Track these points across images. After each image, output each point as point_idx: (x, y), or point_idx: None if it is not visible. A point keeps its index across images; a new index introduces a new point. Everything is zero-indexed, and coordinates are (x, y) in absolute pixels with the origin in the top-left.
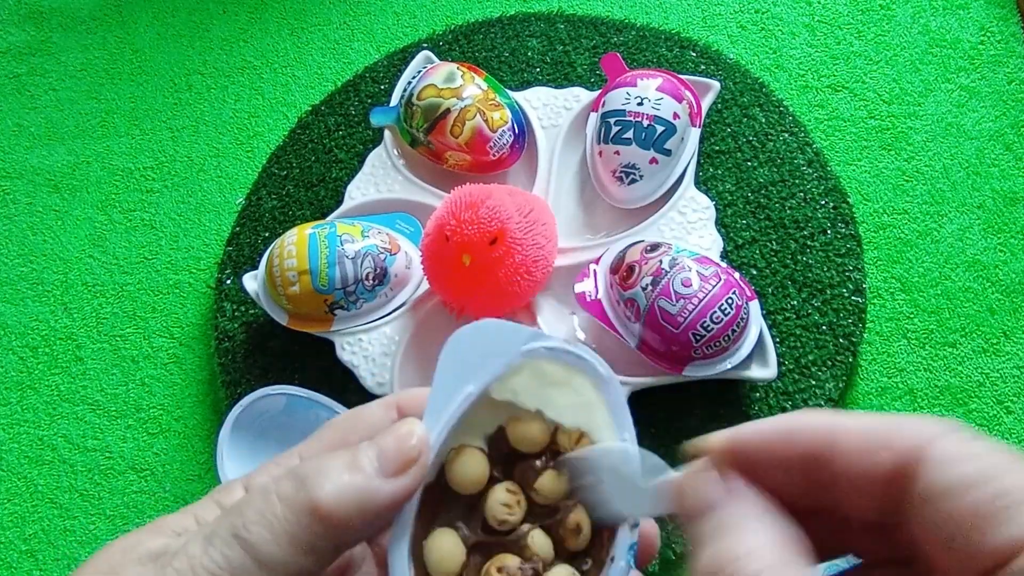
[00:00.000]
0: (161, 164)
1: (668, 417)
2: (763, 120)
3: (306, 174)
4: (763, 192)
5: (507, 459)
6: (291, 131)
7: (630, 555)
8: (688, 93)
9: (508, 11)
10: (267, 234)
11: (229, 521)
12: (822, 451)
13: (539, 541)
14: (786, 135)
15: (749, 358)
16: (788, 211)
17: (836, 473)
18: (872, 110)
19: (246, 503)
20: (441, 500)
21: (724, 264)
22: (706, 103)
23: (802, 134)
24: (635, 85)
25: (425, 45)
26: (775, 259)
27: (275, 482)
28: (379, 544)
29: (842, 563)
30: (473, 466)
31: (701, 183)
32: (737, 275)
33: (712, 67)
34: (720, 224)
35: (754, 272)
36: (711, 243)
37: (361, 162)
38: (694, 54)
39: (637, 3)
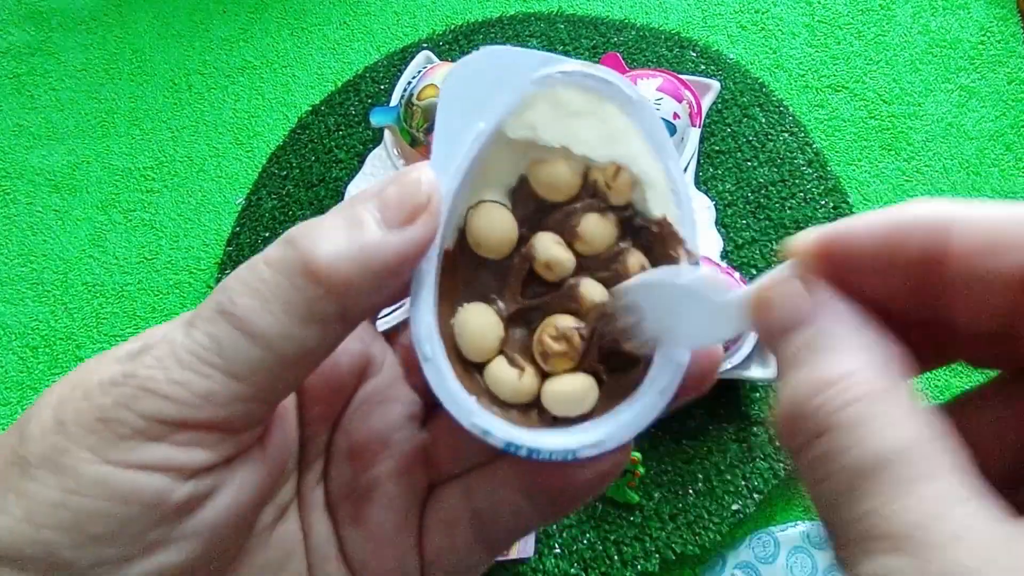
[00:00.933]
0: (161, 164)
1: (667, 418)
2: (763, 120)
3: (306, 174)
4: (763, 192)
5: (536, 215)
6: (291, 131)
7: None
8: (688, 93)
9: (508, 11)
10: (267, 234)
11: (212, 299)
12: (933, 252)
13: (592, 290)
14: (786, 135)
15: (749, 358)
16: (788, 211)
17: (950, 278)
18: (872, 110)
19: (230, 277)
20: (464, 272)
21: (724, 264)
22: (706, 103)
23: (802, 134)
24: (635, 85)
25: (425, 45)
26: (775, 259)
27: (262, 252)
28: (401, 343)
29: None
30: (497, 220)
31: (701, 183)
32: (737, 275)
33: (712, 67)
34: (720, 224)
35: (754, 272)
36: (711, 243)
37: (361, 162)
38: (694, 54)
39: (637, 3)
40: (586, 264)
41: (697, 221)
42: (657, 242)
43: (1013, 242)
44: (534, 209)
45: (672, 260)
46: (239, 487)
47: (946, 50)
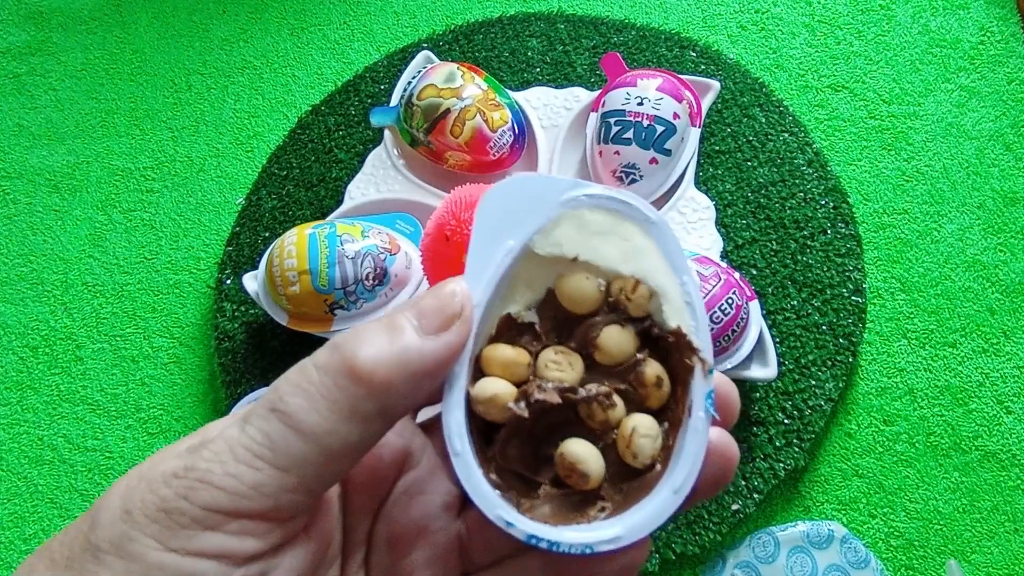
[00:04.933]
0: (161, 164)
1: None
2: (763, 120)
3: (306, 174)
4: (763, 192)
5: (561, 325)
6: (291, 131)
7: (708, 403)
8: (688, 93)
9: (508, 11)
10: (267, 234)
11: (265, 398)
12: None
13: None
14: (786, 135)
15: (749, 358)
16: (788, 211)
17: None
18: (872, 110)
19: (281, 379)
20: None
21: (724, 264)
22: (706, 103)
23: (802, 134)
24: (635, 85)
25: (425, 45)
26: (775, 259)
27: (311, 356)
28: (440, 438)
29: None
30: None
31: (701, 183)
32: (737, 275)
33: (712, 67)
34: (720, 224)
35: (754, 272)
36: (711, 243)
37: (361, 162)
38: (694, 54)
39: (637, 3)
40: (606, 372)
41: (709, 332)
42: (673, 351)
43: None
44: (559, 319)
45: (687, 368)
46: (286, 572)
47: (946, 50)
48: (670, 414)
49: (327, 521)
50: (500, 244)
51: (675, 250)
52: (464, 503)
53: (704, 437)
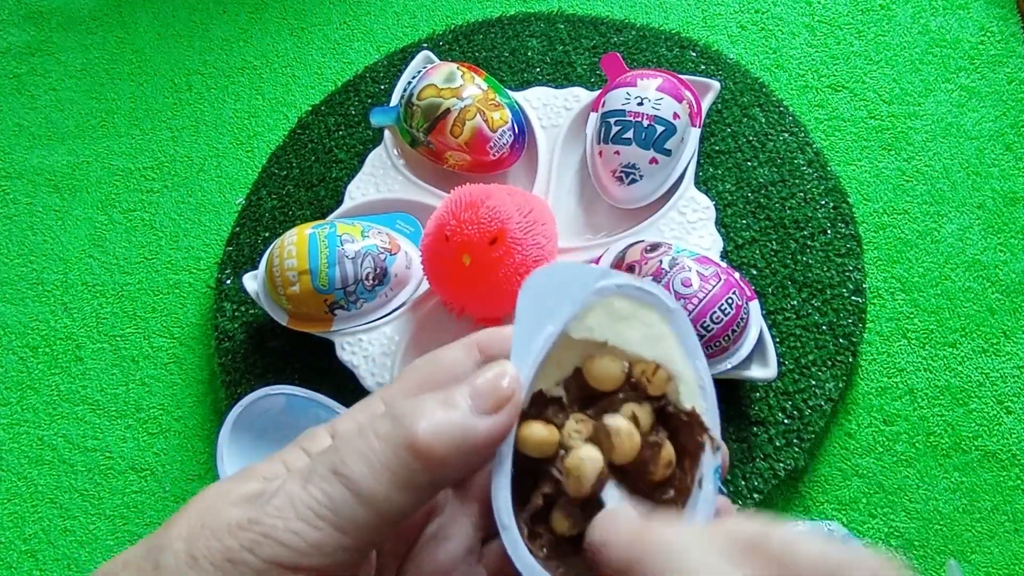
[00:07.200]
0: (161, 164)
1: None
2: (763, 120)
3: (306, 174)
4: (763, 192)
5: (586, 400)
6: (291, 131)
7: (716, 477)
8: (688, 93)
9: (508, 11)
10: (267, 234)
11: (327, 459)
12: None
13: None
14: (786, 135)
15: (749, 358)
16: (788, 211)
17: None
18: (872, 110)
19: (343, 441)
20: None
21: (724, 264)
22: (706, 103)
23: (802, 134)
24: (635, 85)
25: (425, 45)
26: (775, 259)
27: (371, 421)
28: (461, 487)
29: None
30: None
31: (701, 183)
32: (737, 275)
33: (712, 67)
34: (720, 224)
35: (754, 272)
36: (711, 243)
37: (361, 162)
38: (694, 54)
39: (637, 3)
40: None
41: (718, 412)
42: (685, 428)
43: None
44: (585, 395)
45: (697, 444)
46: None
47: (946, 50)
48: (678, 483)
49: (367, 571)
50: (541, 328)
51: (690, 336)
52: (483, 546)
53: (712, 507)
